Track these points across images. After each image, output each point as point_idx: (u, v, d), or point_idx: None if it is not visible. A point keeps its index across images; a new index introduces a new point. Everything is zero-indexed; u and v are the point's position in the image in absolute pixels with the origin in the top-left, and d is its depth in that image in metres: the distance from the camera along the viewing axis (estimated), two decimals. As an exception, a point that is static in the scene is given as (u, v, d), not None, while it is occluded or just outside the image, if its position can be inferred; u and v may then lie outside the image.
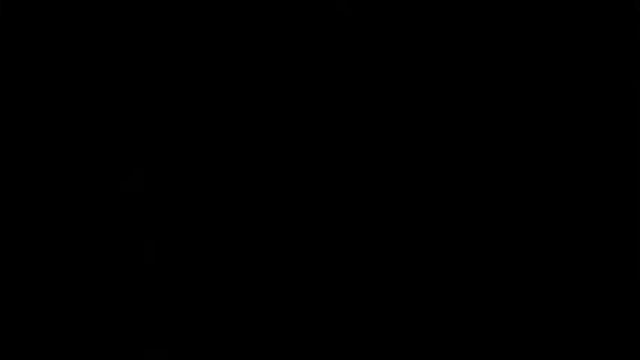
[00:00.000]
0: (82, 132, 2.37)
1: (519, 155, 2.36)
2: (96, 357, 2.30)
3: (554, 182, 2.36)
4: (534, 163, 2.36)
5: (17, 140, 2.37)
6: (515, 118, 2.37)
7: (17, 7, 2.37)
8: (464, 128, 2.38)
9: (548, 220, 2.35)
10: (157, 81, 2.39)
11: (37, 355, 2.30)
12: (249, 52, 2.40)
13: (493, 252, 2.35)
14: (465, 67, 2.39)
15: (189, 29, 2.40)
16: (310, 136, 2.38)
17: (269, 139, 2.38)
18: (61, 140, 2.37)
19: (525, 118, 2.37)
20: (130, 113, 2.38)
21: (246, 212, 2.36)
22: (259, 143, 2.38)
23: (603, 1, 2.38)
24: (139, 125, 2.38)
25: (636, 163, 2.36)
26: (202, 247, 2.35)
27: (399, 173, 2.37)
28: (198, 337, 2.31)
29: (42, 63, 2.38)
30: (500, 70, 2.39)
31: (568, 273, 2.33)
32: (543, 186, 2.36)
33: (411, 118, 2.38)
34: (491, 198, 2.36)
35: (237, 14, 2.40)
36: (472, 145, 2.37)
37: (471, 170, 2.36)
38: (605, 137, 2.36)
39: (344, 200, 2.37)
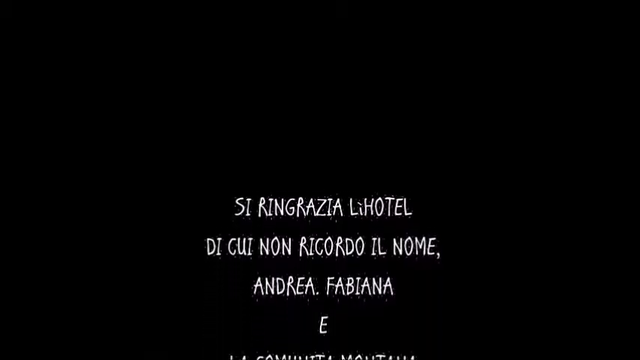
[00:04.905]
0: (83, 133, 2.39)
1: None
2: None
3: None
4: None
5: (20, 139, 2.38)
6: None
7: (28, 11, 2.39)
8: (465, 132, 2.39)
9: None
10: (157, 82, 2.40)
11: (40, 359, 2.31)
12: (253, 57, 2.41)
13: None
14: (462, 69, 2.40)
15: (191, 38, 2.41)
16: (309, 135, 2.40)
17: (269, 139, 2.40)
18: (61, 140, 2.38)
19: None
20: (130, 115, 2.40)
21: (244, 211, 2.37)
22: (259, 143, 2.40)
23: None
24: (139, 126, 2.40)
25: None
26: (201, 247, 2.37)
27: (394, 173, 2.38)
28: (197, 341, 2.32)
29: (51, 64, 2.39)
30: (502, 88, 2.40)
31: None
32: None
33: (409, 120, 2.40)
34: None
35: (241, 21, 2.42)
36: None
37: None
38: None
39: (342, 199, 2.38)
